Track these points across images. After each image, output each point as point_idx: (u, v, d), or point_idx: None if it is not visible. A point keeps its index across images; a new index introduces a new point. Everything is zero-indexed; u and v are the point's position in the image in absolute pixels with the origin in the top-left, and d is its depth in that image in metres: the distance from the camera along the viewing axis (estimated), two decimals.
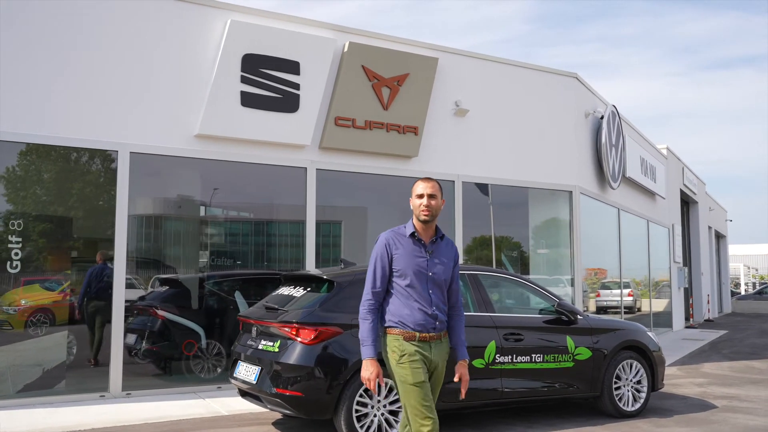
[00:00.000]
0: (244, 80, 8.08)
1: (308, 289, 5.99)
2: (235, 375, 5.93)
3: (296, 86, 8.41)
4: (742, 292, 41.80)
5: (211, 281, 8.98)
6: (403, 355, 3.62)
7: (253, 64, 8.12)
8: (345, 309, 5.53)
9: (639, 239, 16.01)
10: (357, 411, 5.36)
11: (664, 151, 18.56)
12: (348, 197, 10.32)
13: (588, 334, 6.59)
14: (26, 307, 7.47)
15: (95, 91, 7.36)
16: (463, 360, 3.87)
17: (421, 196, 3.75)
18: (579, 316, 6.63)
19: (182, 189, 9.16)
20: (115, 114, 7.46)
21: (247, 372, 5.73)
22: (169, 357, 8.36)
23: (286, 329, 5.46)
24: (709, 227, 25.86)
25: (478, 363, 5.84)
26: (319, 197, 8.69)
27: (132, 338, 8.13)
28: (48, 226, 7.70)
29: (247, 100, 8.10)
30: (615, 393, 6.67)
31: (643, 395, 6.86)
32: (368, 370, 3.60)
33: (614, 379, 6.68)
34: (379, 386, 5.45)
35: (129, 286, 8.51)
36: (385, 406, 5.48)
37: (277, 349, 5.48)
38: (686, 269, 20.13)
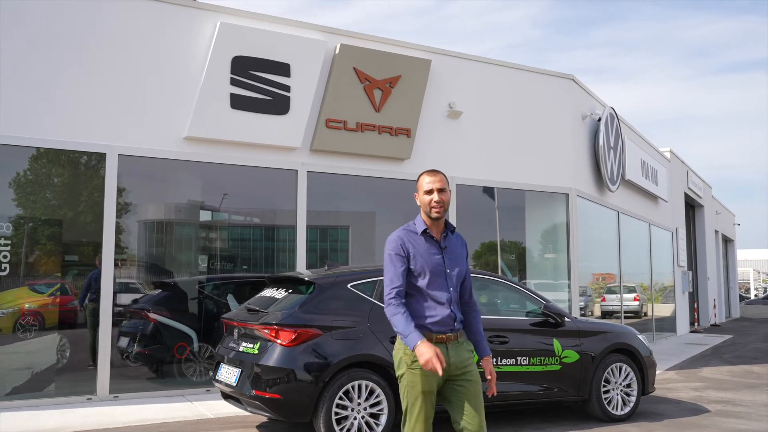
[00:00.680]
0: (234, 82, 8.06)
1: (290, 290, 5.95)
2: (217, 377, 5.90)
3: (287, 88, 8.38)
4: (752, 297, 41.45)
5: (203, 284, 8.96)
6: (417, 359, 3.27)
7: (243, 67, 8.11)
8: (325, 311, 5.50)
9: (641, 243, 15.85)
10: (336, 413, 5.31)
11: (668, 154, 18.36)
12: (344, 200, 10.29)
13: (576, 336, 6.51)
14: (14, 311, 7.46)
15: (84, 93, 7.35)
16: (488, 356, 3.61)
17: (430, 192, 3.44)
18: (567, 319, 6.56)
19: (172, 192, 9.16)
20: (104, 116, 7.45)
21: (228, 374, 5.70)
22: (161, 360, 8.35)
23: (266, 331, 5.42)
24: (716, 231, 25.61)
25: None
26: (310, 200, 8.64)
27: (124, 341, 8.13)
28: (39, 228, 7.71)
29: (237, 102, 8.08)
30: (604, 397, 6.58)
31: (633, 399, 6.76)
32: (428, 353, 3.17)
33: (603, 383, 6.58)
34: (359, 389, 5.41)
35: (134, 290, 8.55)
36: (365, 409, 5.42)
37: (256, 351, 5.45)
38: (690, 273, 19.93)
